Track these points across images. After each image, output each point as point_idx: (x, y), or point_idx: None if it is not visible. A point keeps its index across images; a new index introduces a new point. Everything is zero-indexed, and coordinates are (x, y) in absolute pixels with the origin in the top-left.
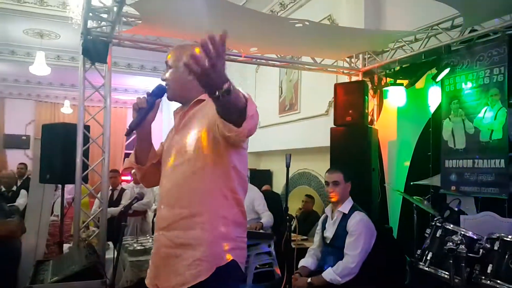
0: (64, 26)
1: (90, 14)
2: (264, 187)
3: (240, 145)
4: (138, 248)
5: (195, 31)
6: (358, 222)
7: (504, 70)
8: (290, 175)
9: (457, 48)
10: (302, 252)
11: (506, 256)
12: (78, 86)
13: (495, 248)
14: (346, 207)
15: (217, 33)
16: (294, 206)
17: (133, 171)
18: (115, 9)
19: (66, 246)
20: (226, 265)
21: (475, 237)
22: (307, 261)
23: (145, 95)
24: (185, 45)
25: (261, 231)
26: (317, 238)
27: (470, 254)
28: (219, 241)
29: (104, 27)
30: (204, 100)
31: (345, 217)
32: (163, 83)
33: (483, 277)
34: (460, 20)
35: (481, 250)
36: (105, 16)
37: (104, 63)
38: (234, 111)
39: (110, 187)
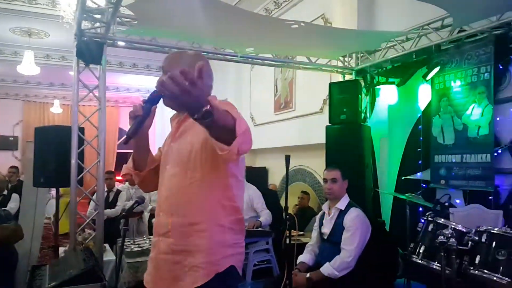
0: (53, 24)
1: (84, 15)
2: (271, 186)
3: (233, 160)
4: (135, 249)
5: (191, 32)
6: (355, 218)
7: (491, 68)
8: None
9: (447, 47)
10: (300, 248)
11: (493, 248)
12: (68, 86)
13: (483, 240)
14: (342, 203)
15: (213, 34)
16: (290, 202)
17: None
18: (110, 9)
19: (61, 250)
20: (224, 271)
21: (464, 230)
22: (306, 257)
23: (141, 103)
24: (183, 52)
25: (259, 229)
26: (314, 234)
27: (460, 247)
28: (217, 249)
29: (98, 28)
30: None
31: (342, 214)
32: None
33: (472, 268)
34: (449, 20)
35: (470, 243)
36: (98, 16)
37: (98, 65)
38: (222, 131)
39: (106, 189)
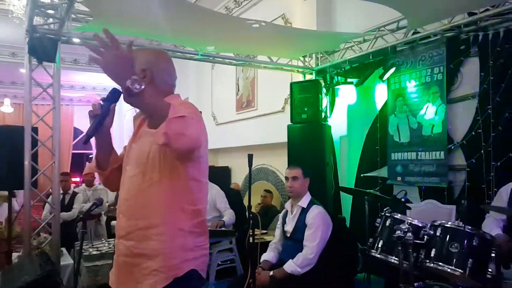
0: (1, 19)
1: (36, 10)
2: (233, 185)
3: (192, 154)
4: (94, 253)
5: (150, 29)
6: (316, 215)
7: (443, 69)
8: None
9: (402, 48)
10: (263, 246)
11: (447, 241)
12: (19, 84)
13: (437, 234)
14: (304, 201)
15: (172, 31)
16: (253, 201)
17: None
18: (64, 5)
19: (15, 255)
20: (184, 275)
21: (420, 225)
22: (269, 255)
23: (100, 101)
24: (143, 49)
25: (223, 228)
26: (277, 232)
27: (416, 241)
28: (176, 253)
29: (51, 24)
30: None
31: (304, 211)
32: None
33: (428, 261)
34: (404, 22)
35: (425, 237)
36: (52, 12)
37: (52, 62)
38: (157, 116)
39: (61, 191)
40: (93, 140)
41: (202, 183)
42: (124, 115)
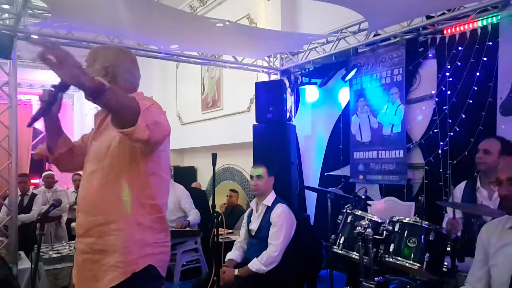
0: None
1: None
2: (194, 184)
3: (154, 149)
4: (54, 255)
5: (112, 26)
6: (280, 213)
7: (403, 70)
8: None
9: (363, 50)
10: (229, 246)
11: (405, 236)
12: None
13: (396, 229)
14: (269, 200)
15: (135, 29)
16: (219, 201)
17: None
18: (19, 0)
19: None
20: (142, 271)
21: (379, 221)
22: (234, 254)
23: (51, 88)
24: (106, 47)
25: (187, 228)
26: (243, 231)
27: (376, 236)
28: (134, 248)
29: (7, 20)
30: None
31: (269, 210)
32: None
33: (387, 256)
34: (366, 24)
35: (384, 232)
36: (7, 7)
37: (8, 59)
38: (124, 111)
39: (19, 193)
40: None
41: (162, 179)
42: (86, 114)
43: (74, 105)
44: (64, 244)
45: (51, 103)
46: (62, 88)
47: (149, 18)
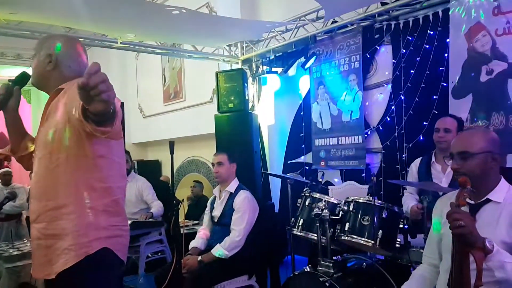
0: None
1: None
2: (162, 178)
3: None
4: (15, 253)
5: (66, 16)
6: (243, 199)
7: (360, 57)
8: (179, 163)
9: (322, 38)
10: (194, 237)
11: (359, 215)
12: None
13: (351, 209)
14: (232, 186)
15: (89, 18)
16: (185, 194)
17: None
18: None
19: None
20: (96, 253)
21: (336, 202)
22: (197, 242)
23: (8, 82)
24: (50, 36)
25: (151, 220)
26: (206, 218)
27: (332, 217)
28: (86, 231)
29: None
30: (63, 89)
31: (232, 196)
32: (28, 71)
33: (343, 234)
34: (323, 12)
35: (340, 212)
36: None
37: None
38: (108, 116)
39: None
40: None
41: (112, 161)
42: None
43: (32, 101)
44: (25, 241)
45: (7, 96)
46: (19, 82)
47: (103, 6)
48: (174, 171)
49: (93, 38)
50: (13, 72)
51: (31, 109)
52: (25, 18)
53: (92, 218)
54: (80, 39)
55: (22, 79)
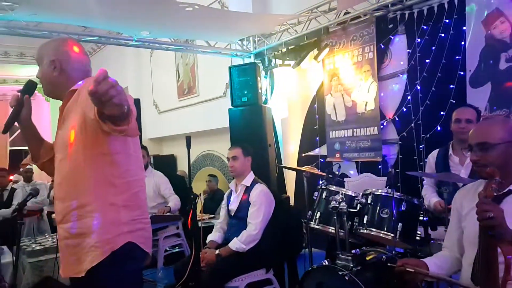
0: None
1: None
2: (179, 172)
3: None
4: (37, 248)
5: (82, 15)
6: (259, 193)
7: (374, 48)
8: (194, 158)
9: (335, 29)
10: (212, 230)
11: (378, 208)
12: None
13: (369, 201)
14: (248, 180)
15: (104, 17)
16: (200, 188)
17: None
18: None
19: None
20: (121, 248)
21: (353, 195)
22: (215, 236)
23: (18, 93)
24: (49, 41)
25: (168, 214)
26: (222, 212)
27: (350, 210)
28: (109, 227)
29: None
30: (76, 90)
31: (248, 190)
32: (34, 79)
33: (361, 228)
34: (335, 3)
35: (358, 205)
36: None
37: None
38: (123, 116)
39: None
40: None
41: (129, 156)
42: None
43: (50, 99)
44: (47, 236)
45: (19, 107)
46: (27, 91)
47: (118, 5)
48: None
49: (108, 37)
50: (29, 71)
51: (49, 107)
52: (43, 18)
53: (114, 214)
54: (96, 37)
55: (30, 87)
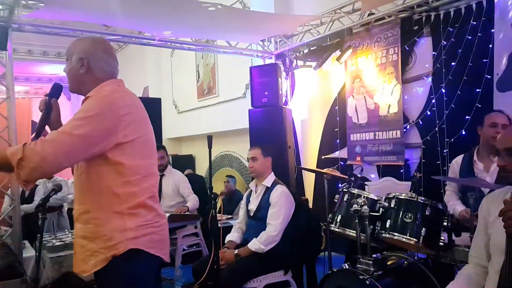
0: None
1: None
2: (186, 172)
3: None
4: (57, 244)
5: (104, 14)
6: (280, 194)
7: (398, 50)
8: (212, 158)
9: (358, 30)
10: (229, 230)
11: (401, 212)
12: None
13: (392, 205)
14: (269, 181)
15: (127, 16)
16: (218, 188)
17: None
18: None
19: None
20: (124, 254)
21: (375, 198)
22: (233, 236)
23: (45, 97)
24: (80, 39)
25: (187, 213)
26: (241, 212)
27: (372, 213)
28: (113, 234)
29: (1, 11)
30: (90, 97)
31: (268, 190)
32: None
33: (383, 232)
34: (359, 4)
35: (381, 209)
36: None
37: (3, 50)
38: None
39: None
40: None
41: (135, 166)
42: None
43: (71, 98)
44: (67, 232)
45: (49, 111)
46: (53, 94)
47: (141, 4)
48: (207, 165)
49: (130, 36)
50: (51, 69)
51: (71, 106)
52: (66, 17)
53: (118, 222)
54: (118, 36)
55: (56, 90)
